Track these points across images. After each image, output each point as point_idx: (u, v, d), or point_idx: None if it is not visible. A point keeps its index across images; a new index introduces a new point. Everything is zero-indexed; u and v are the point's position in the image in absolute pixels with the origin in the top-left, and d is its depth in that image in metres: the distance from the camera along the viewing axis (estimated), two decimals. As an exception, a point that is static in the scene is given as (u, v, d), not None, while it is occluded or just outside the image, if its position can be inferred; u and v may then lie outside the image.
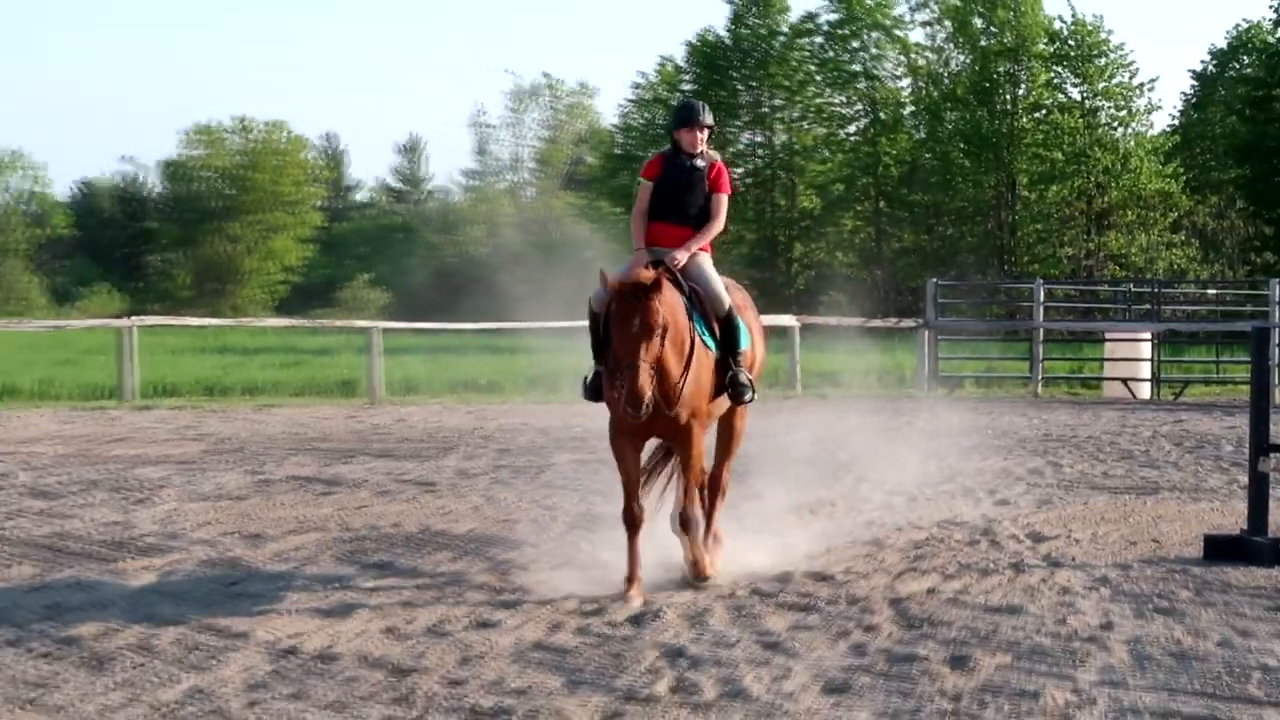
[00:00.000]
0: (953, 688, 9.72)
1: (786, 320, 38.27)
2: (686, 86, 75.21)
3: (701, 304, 12.78)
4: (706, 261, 13.09)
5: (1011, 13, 69.46)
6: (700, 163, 13.00)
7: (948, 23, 72.65)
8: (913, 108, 74.43)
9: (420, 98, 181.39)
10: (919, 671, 10.11)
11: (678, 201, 12.94)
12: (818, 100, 74.56)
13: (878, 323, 43.81)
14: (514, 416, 29.64)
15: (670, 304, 12.01)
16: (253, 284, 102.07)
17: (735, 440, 13.93)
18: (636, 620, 11.64)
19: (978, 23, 70.81)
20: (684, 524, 12.75)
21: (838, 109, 75.04)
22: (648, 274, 11.83)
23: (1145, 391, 35.52)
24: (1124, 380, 35.58)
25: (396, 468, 20.89)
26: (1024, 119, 70.58)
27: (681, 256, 12.67)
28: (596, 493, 18.19)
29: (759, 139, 75.83)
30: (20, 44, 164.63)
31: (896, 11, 73.30)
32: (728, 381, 12.79)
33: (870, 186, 73.36)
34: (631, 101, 78.71)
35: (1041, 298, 37.91)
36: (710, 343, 12.66)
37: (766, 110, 74.71)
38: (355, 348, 37.30)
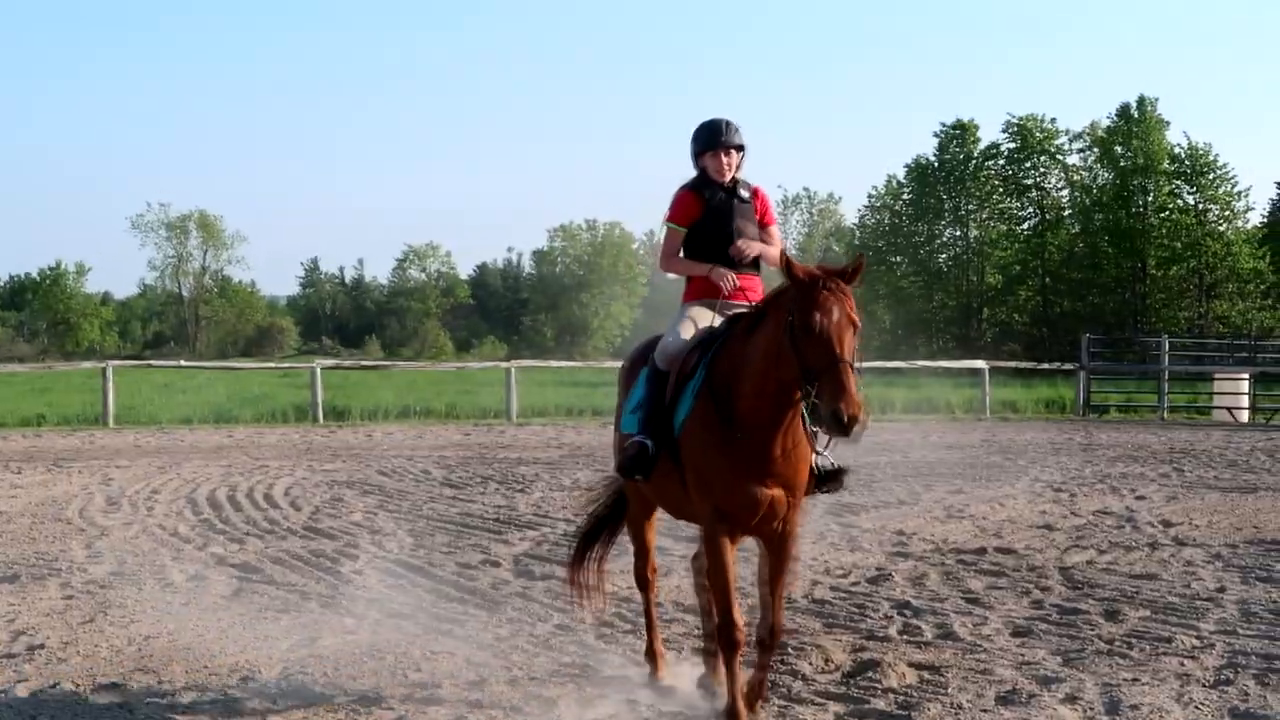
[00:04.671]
0: (1107, 633, 9.48)
1: (979, 364, 37.87)
2: (906, 196, 75.50)
3: None
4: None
5: (1142, 141, 68.74)
6: (744, 193, 7.90)
7: (1096, 149, 71.95)
8: (1070, 210, 73.76)
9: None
10: (1082, 621, 9.88)
11: (731, 242, 7.83)
12: (1000, 205, 74.71)
13: (1045, 366, 43.93)
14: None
15: None
16: (597, 337, 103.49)
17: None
18: (873, 580, 11.51)
19: (1118, 149, 70.01)
20: (763, 641, 7.34)
21: (1015, 211, 74.97)
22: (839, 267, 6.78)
23: (1245, 417, 34.51)
24: (1229, 409, 34.62)
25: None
26: (1152, 218, 69.81)
27: (775, 251, 7.76)
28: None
29: (957, 233, 75.73)
30: (443, 161, 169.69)
31: (1058, 141, 73.14)
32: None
33: (1039, 267, 73.01)
34: (866, 206, 79.04)
35: (1166, 348, 37.17)
36: None
37: (963, 213, 74.77)
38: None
